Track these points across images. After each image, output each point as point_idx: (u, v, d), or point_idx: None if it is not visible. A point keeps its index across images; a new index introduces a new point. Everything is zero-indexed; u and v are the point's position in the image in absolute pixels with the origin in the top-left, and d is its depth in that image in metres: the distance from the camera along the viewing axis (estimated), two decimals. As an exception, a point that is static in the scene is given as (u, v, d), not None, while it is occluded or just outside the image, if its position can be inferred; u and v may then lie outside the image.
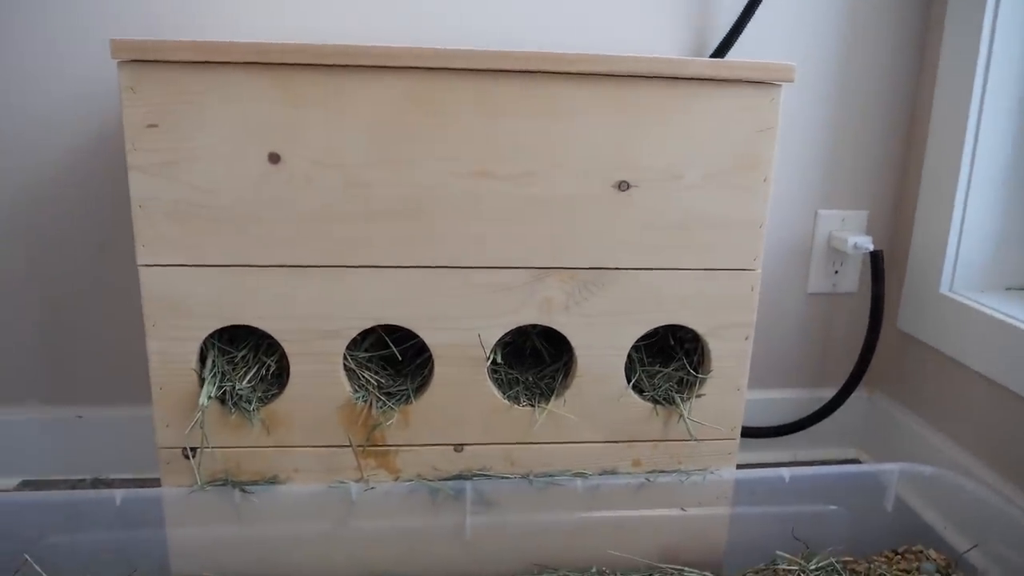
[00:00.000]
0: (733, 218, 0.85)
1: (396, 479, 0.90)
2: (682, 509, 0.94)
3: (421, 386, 0.89)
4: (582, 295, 0.85)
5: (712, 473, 0.94)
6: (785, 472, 0.96)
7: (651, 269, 0.85)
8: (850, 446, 1.39)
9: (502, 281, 0.84)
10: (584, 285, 0.85)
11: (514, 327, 0.86)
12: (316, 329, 0.83)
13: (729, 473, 0.95)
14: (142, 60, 0.74)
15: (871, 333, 1.19)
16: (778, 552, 0.96)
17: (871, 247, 1.19)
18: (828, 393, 1.28)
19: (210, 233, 0.79)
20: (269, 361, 0.86)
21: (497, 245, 0.82)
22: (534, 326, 0.89)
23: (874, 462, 1.36)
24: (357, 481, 0.89)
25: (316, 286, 0.82)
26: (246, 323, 0.82)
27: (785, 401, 1.32)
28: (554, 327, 0.86)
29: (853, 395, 1.24)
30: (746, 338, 0.90)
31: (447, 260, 0.82)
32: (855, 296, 1.30)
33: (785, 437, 1.29)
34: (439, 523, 0.90)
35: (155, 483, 0.87)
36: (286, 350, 0.84)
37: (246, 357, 0.86)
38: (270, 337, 0.84)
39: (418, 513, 0.90)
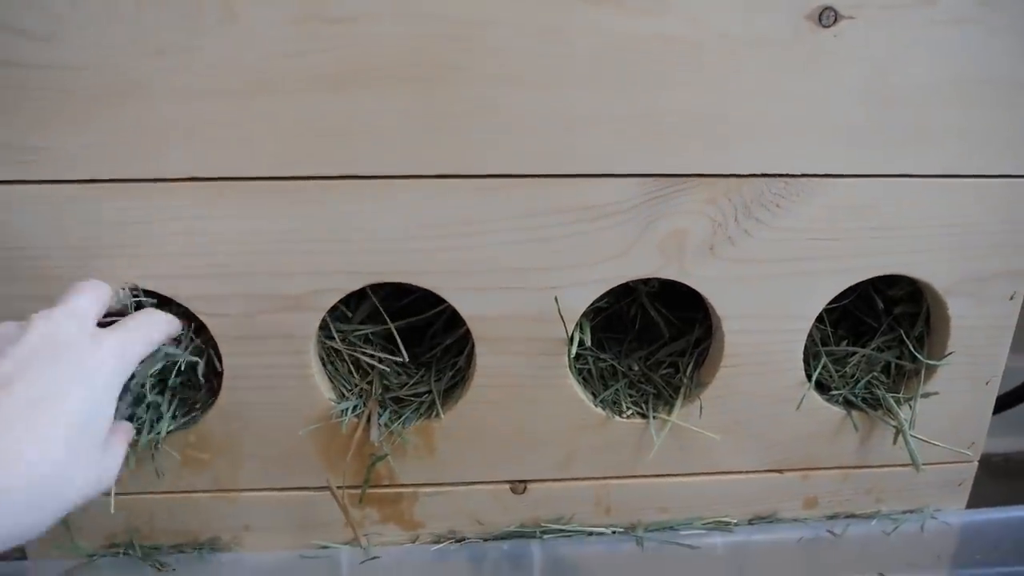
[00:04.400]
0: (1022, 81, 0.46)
1: (415, 540, 0.54)
2: (881, 575, 0.58)
3: (454, 386, 0.52)
4: (741, 225, 0.47)
5: (934, 518, 0.57)
6: (1050, 512, 0.59)
7: (867, 176, 0.47)
8: (1041, 433, 1.01)
9: (596, 201, 0.46)
10: (745, 207, 0.47)
11: (615, 284, 0.48)
12: (264, 294, 0.47)
13: (958, 516, 0.58)
14: None
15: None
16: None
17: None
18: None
19: (59, 121, 0.42)
20: (178, 354, 0.49)
21: (588, 135, 0.45)
22: (647, 281, 0.52)
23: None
24: (349, 544, 0.53)
25: (260, 215, 0.45)
26: (137, 285, 0.46)
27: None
28: (686, 282, 0.49)
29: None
30: (1012, 296, 0.52)
31: (496, 164, 0.45)
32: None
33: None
34: (487, 608, 0.55)
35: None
36: (213, 331, 0.47)
37: (151, 342, 0.50)
38: (185, 309, 0.47)
39: (453, 594, 0.55)
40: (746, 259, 0.48)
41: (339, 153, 0.44)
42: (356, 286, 0.47)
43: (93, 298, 0.41)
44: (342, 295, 0.47)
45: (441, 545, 0.54)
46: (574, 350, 0.49)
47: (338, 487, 0.51)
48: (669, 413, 0.52)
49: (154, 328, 0.43)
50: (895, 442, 0.53)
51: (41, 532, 0.34)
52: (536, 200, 0.46)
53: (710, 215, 0.47)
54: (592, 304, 0.49)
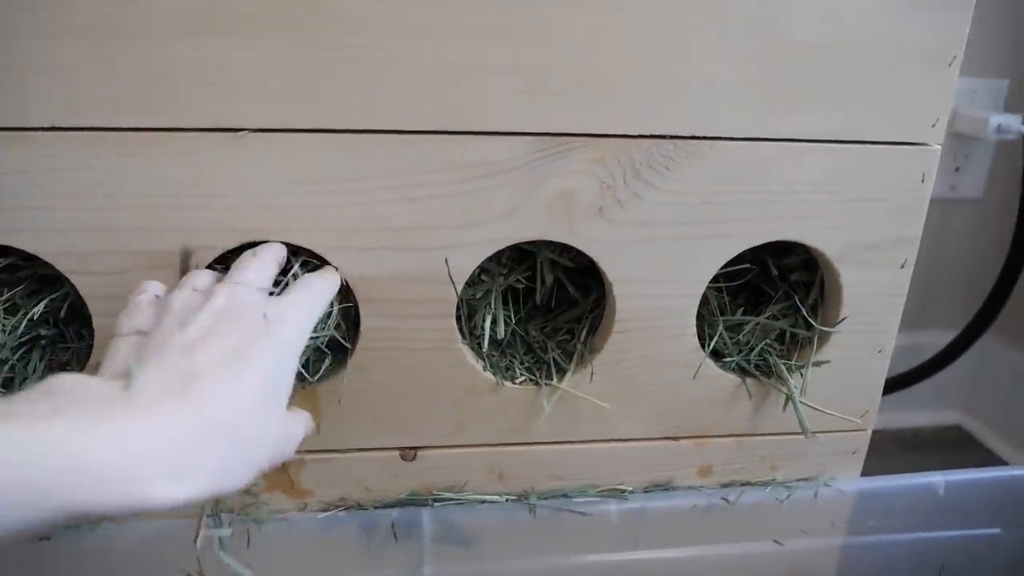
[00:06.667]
0: (914, 47, 0.46)
1: (303, 508, 0.53)
2: (776, 542, 0.59)
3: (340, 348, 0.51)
4: (630, 187, 0.47)
5: (827, 485, 0.58)
6: (938, 480, 0.60)
7: (755, 140, 0.47)
8: (951, 408, 1.04)
9: (483, 159, 0.45)
10: (634, 168, 0.46)
11: (503, 245, 0.47)
12: (134, 251, 0.44)
13: (851, 484, 0.59)
14: None
15: (1015, 257, 0.83)
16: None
17: (1025, 130, 0.81)
18: (929, 339, 0.92)
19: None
20: (34, 311, 0.47)
21: (473, 90, 0.43)
22: (539, 244, 0.52)
23: (985, 431, 1.01)
24: (231, 514, 0.52)
25: (126, 168, 0.43)
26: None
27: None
28: (575, 245, 0.48)
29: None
30: (903, 265, 0.52)
31: (378, 119, 0.43)
32: (979, 205, 0.92)
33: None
34: (377, 578, 0.54)
35: None
36: (81, 291, 0.45)
37: (15, 301, 0.48)
38: (48, 267, 0.45)
39: (341, 563, 0.53)
40: (635, 222, 0.47)
41: (207, 104, 0.42)
42: (232, 244, 0.45)
43: (271, 262, 0.42)
44: (217, 253, 0.45)
45: (327, 514, 0.52)
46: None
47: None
48: (561, 380, 0.51)
49: (326, 290, 0.42)
50: (784, 409, 0.53)
51: (237, 488, 0.33)
52: (423, 157, 0.44)
53: (599, 176, 0.46)
54: (480, 267, 0.48)
